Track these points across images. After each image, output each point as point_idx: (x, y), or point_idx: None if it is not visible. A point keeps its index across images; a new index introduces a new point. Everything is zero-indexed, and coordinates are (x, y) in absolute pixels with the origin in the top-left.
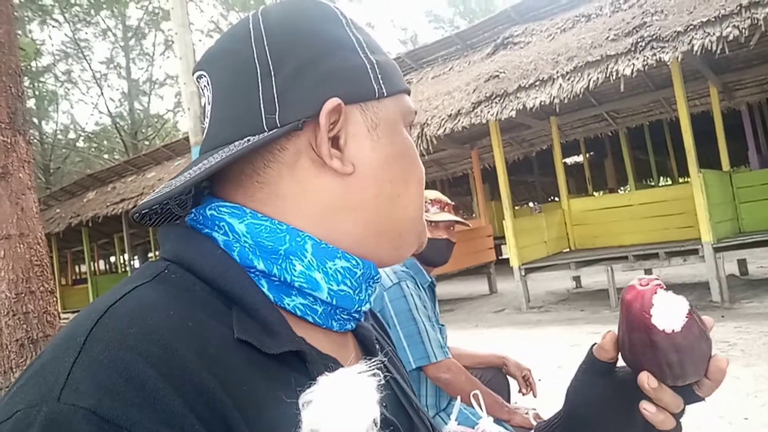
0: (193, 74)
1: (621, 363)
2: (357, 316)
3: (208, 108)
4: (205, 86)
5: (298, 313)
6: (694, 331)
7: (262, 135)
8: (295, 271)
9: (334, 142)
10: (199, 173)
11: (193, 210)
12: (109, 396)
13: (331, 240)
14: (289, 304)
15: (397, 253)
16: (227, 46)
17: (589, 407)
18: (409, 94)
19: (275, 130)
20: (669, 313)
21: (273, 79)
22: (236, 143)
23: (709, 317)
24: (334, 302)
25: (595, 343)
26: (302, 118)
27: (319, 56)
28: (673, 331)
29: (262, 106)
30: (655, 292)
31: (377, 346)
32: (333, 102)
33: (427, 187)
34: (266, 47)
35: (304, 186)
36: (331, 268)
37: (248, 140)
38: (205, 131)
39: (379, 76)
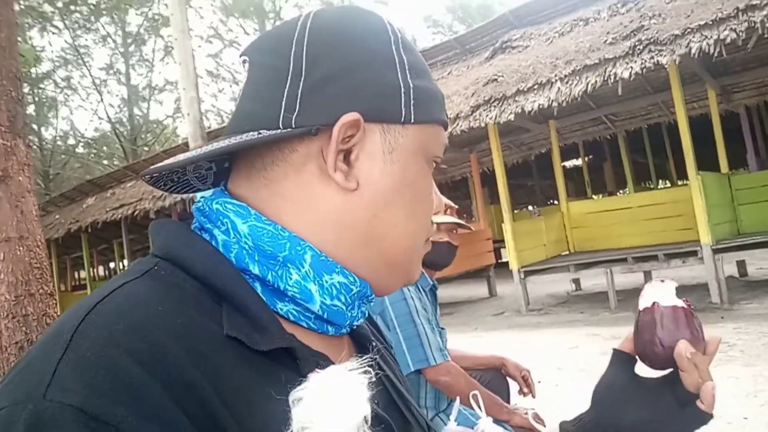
0: (240, 57)
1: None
2: (354, 325)
3: (240, 94)
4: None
5: (291, 318)
6: (660, 313)
7: (274, 131)
8: (291, 279)
9: (346, 155)
10: (201, 153)
11: (202, 198)
12: (95, 393)
13: (329, 253)
14: (282, 309)
15: (379, 282)
16: (273, 38)
17: (612, 401)
18: (446, 129)
19: (288, 130)
20: (647, 300)
21: (302, 80)
22: (250, 134)
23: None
24: (325, 316)
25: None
26: (317, 124)
27: (352, 67)
28: (645, 308)
29: (283, 103)
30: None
31: (373, 344)
32: (352, 116)
33: None
34: (305, 48)
35: (305, 191)
36: (327, 282)
37: (260, 133)
38: (232, 116)
39: (412, 101)
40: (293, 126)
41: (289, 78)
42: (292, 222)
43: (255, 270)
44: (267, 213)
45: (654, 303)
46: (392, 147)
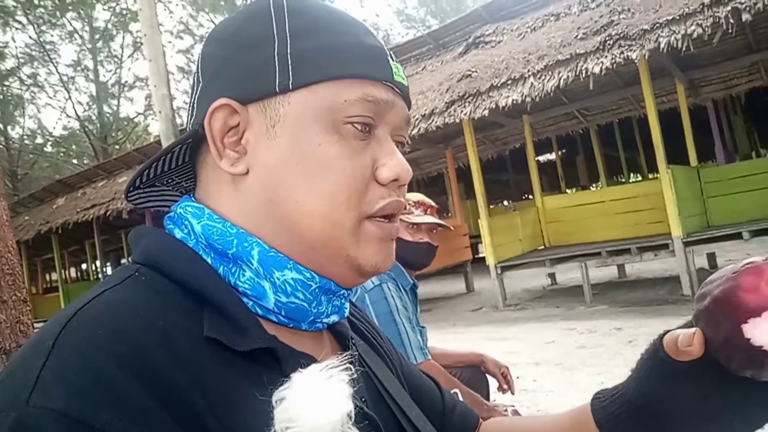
0: None
1: None
2: (325, 322)
3: None
4: None
5: (260, 312)
6: None
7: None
8: (244, 276)
9: (239, 143)
10: (134, 176)
11: (173, 206)
12: (78, 397)
13: (279, 247)
14: (248, 303)
15: (324, 271)
16: None
17: (670, 409)
18: (373, 79)
19: (183, 135)
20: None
21: (200, 86)
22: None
23: None
24: (283, 313)
25: (665, 332)
26: (200, 122)
27: (229, 58)
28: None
29: (190, 111)
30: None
31: (353, 340)
32: (216, 103)
33: None
34: (201, 57)
35: (220, 186)
36: (279, 279)
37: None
38: None
39: (289, 66)
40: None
41: (194, 88)
42: (236, 218)
43: (208, 262)
44: (218, 211)
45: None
46: (274, 120)
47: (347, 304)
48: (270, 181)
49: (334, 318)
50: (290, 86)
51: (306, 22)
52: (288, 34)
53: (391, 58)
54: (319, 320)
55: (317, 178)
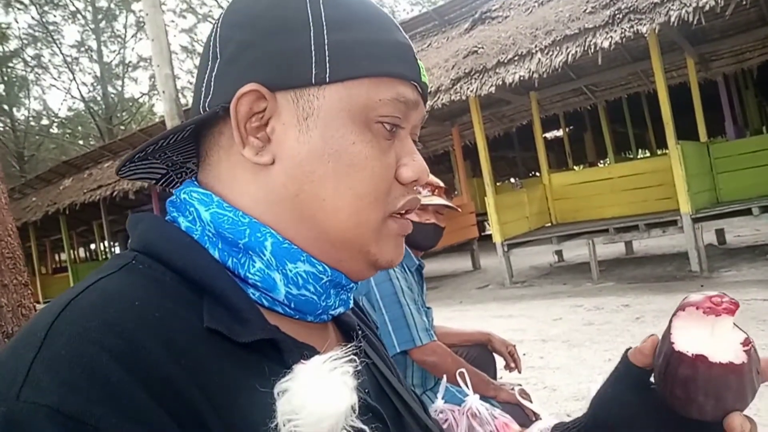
0: None
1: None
2: (331, 314)
3: None
4: None
5: (266, 303)
6: (709, 369)
7: (193, 118)
8: (254, 267)
9: (261, 130)
10: (137, 149)
11: (176, 190)
12: (71, 392)
13: (291, 239)
14: (254, 294)
15: (339, 265)
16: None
17: (616, 421)
18: (405, 79)
19: (198, 116)
20: (690, 337)
21: (217, 62)
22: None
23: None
24: (292, 305)
25: (630, 348)
26: (221, 104)
27: (256, 40)
28: (681, 353)
29: (203, 88)
30: (683, 310)
31: (358, 331)
32: (247, 88)
33: None
34: (219, 30)
35: (235, 172)
36: (291, 271)
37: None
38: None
39: (327, 59)
40: (207, 110)
41: (209, 63)
42: (249, 207)
43: (215, 255)
44: (229, 199)
45: (698, 356)
46: (307, 113)
47: (352, 296)
48: (298, 175)
49: (340, 310)
50: (327, 79)
51: (341, 12)
52: (324, 23)
53: (416, 56)
54: (326, 313)
55: (348, 178)
